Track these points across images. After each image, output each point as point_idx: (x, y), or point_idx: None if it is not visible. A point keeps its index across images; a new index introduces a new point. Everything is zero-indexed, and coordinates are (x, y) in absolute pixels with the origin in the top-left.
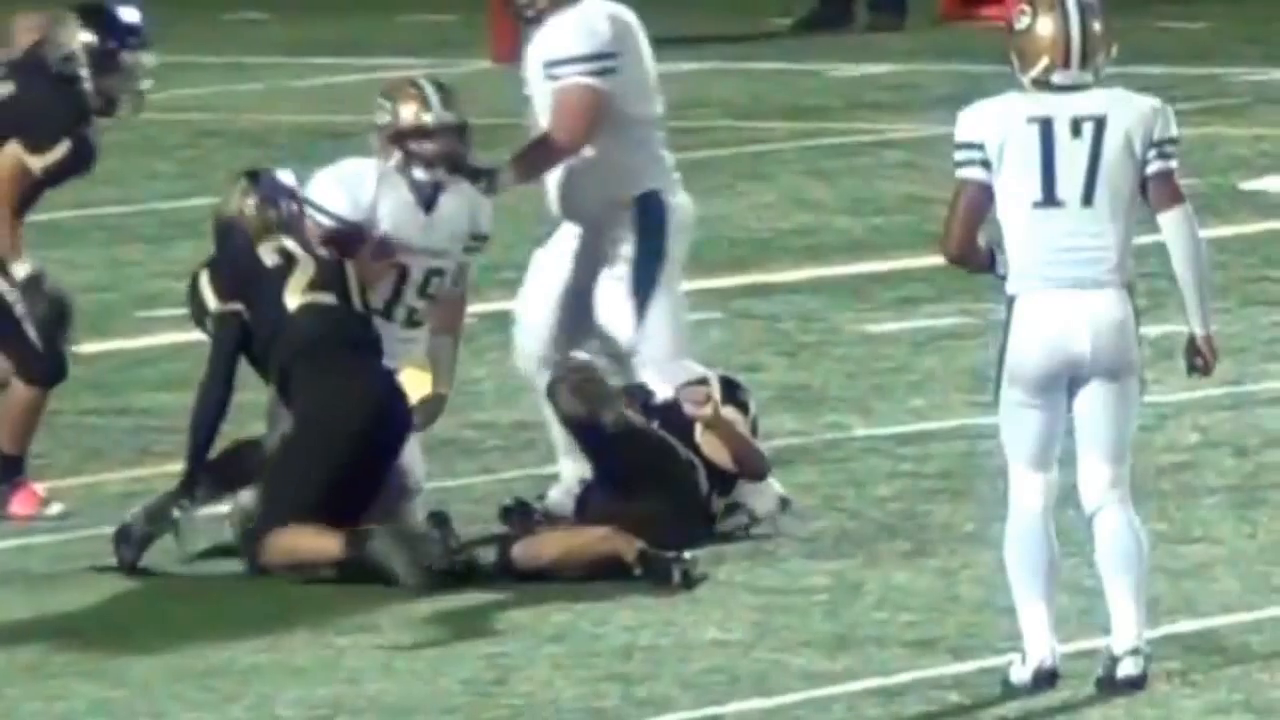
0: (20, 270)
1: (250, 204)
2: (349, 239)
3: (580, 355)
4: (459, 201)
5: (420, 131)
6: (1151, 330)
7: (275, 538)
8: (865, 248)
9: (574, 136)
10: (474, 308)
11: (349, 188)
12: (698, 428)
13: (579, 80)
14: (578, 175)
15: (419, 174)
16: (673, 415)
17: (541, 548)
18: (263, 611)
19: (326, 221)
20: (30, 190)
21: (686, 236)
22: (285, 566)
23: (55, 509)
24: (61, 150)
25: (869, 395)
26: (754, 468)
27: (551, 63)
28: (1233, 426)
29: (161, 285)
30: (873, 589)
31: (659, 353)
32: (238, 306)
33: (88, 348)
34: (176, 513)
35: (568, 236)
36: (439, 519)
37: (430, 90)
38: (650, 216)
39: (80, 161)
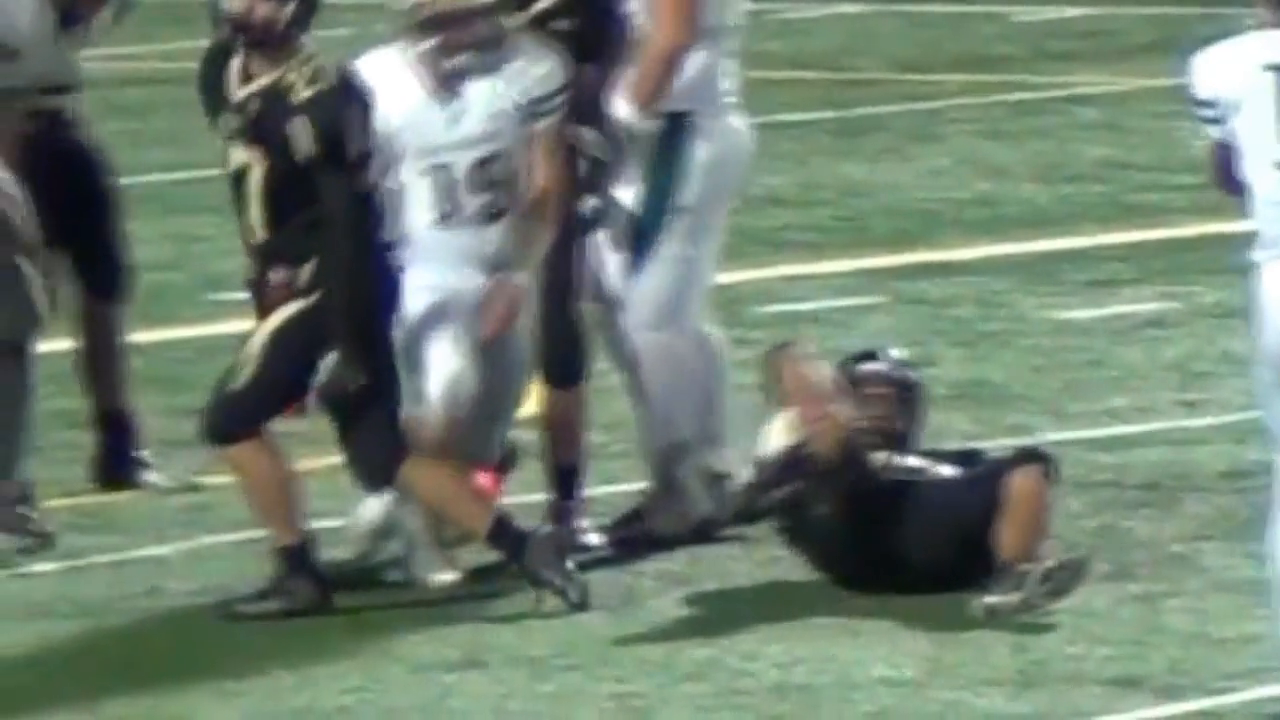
0: None
1: None
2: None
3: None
4: (497, 77)
5: (462, 15)
6: None
7: (429, 472)
8: (1054, 221)
9: (678, 32)
10: None
11: None
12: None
13: None
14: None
15: (452, 63)
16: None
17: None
18: (353, 643)
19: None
20: None
21: (722, 174)
22: (421, 501)
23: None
24: None
25: (1060, 393)
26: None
27: None
28: None
29: (234, 264)
30: (1065, 619)
31: (646, 317)
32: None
33: (148, 336)
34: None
35: None
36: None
37: None
38: (669, 144)
39: None
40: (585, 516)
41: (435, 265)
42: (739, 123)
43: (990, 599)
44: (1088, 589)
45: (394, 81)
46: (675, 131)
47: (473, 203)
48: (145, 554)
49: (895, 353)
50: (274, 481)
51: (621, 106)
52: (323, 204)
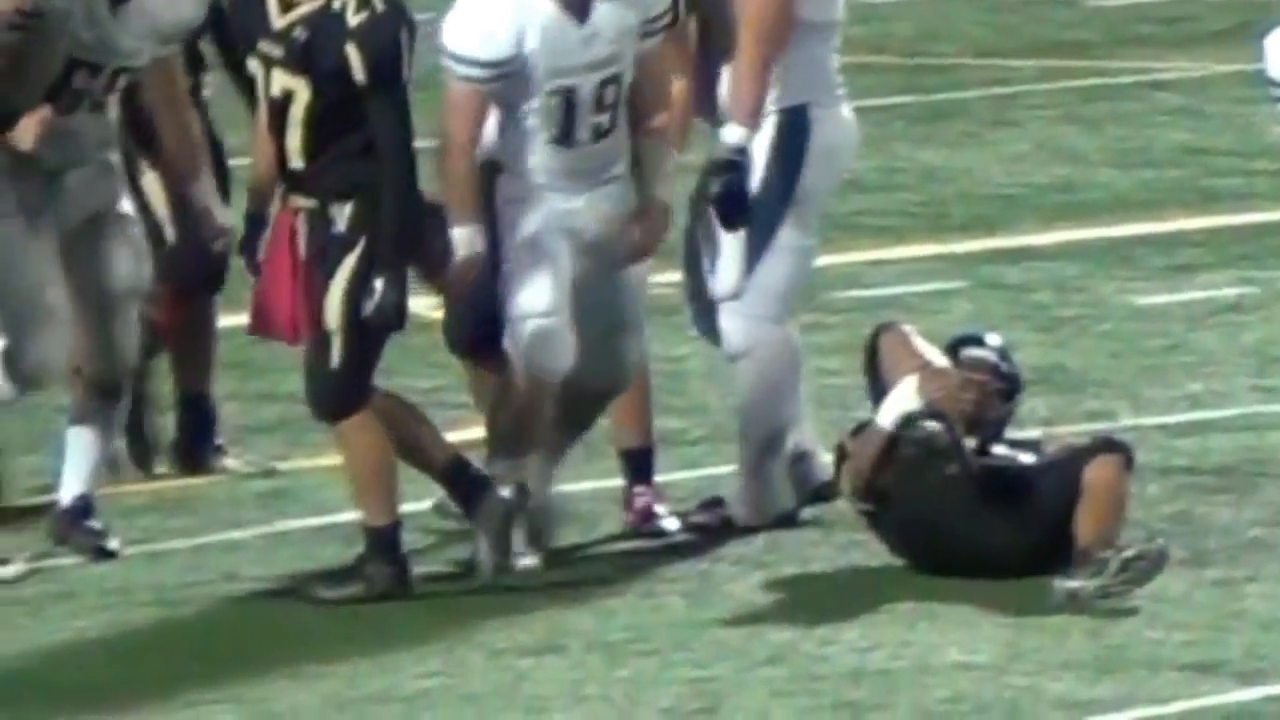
0: None
1: None
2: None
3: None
4: None
5: None
6: None
7: (393, 410)
8: (1132, 206)
9: (765, 40)
10: (676, 274)
11: (491, 25)
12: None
13: None
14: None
15: None
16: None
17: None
18: (431, 628)
19: (478, 73)
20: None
21: (835, 163)
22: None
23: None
24: None
25: (1137, 378)
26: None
27: None
28: None
29: None
30: (1142, 604)
31: (769, 310)
32: None
33: (224, 320)
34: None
35: None
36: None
37: None
38: (788, 137)
39: None
40: (662, 500)
41: (544, 185)
42: (848, 113)
43: (1070, 583)
44: (1165, 574)
45: (527, 4)
46: (793, 124)
47: (589, 123)
48: (222, 539)
49: (997, 339)
50: (376, 458)
51: (729, 131)
52: (377, 128)
